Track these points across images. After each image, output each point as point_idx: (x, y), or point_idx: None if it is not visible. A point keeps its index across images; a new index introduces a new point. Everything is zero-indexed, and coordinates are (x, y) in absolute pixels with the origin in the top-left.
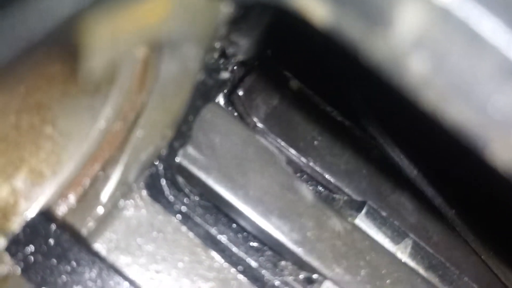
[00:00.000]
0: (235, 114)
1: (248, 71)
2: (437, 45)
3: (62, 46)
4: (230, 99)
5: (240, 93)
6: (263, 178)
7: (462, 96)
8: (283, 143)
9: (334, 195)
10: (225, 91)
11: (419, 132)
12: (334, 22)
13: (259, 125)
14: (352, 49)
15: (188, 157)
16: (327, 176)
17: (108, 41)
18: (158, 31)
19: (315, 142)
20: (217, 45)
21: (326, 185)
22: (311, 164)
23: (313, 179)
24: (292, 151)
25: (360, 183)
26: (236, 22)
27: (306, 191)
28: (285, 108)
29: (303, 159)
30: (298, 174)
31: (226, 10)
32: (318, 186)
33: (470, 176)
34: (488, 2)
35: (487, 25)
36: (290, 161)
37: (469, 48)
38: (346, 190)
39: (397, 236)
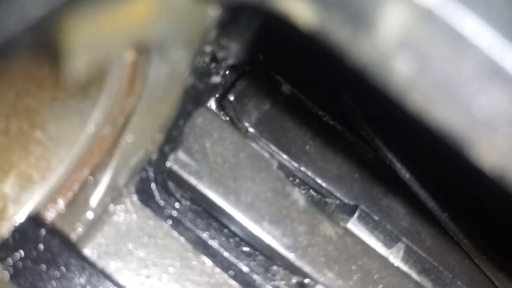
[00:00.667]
0: (227, 118)
1: (239, 76)
2: (420, 46)
3: (45, 48)
4: (221, 104)
5: (231, 98)
6: (254, 183)
7: (447, 97)
8: (274, 148)
9: (326, 200)
10: (217, 95)
11: (410, 136)
12: (319, 25)
13: (251, 130)
14: (339, 52)
15: (179, 162)
16: (318, 180)
17: (90, 42)
18: (143, 33)
19: (307, 147)
20: (208, 49)
21: (318, 189)
22: (302, 168)
23: (305, 184)
24: (284, 155)
25: (352, 187)
26: (225, 26)
27: (298, 195)
28: (277, 113)
29: (295, 164)
30: (290, 179)
31: (213, 13)
32: (310, 191)
33: (462, 179)
34: (471, 2)
35: (469, 25)
36: (281, 166)
37: (452, 49)
38: (338, 194)
39: (390, 240)
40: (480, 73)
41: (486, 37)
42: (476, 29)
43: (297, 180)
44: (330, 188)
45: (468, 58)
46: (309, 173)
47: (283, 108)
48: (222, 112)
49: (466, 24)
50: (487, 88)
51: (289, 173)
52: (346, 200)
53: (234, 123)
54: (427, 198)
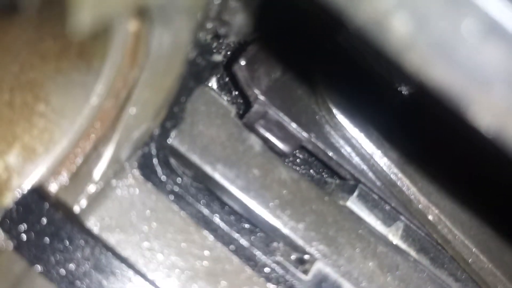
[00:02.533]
0: (227, 98)
1: (251, 41)
2: (418, 5)
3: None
4: (231, 69)
5: (243, 62)
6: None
7: (444, 57)
8: (284, 117)
9: (326, 179)
10: (222, 66)
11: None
12: None
13: (260, 97)
14: (338, 13)
15: (180, 139)
16: (327, 151)
17: None
18: None
19: (317, 117)
20: (209, 25)
21: (328, 161)
22: (312, 139)
23: (311, 156)
24: (293, 125)
25: None
26: (227, 0)
27: (254, 141)
28: (287, 81)
29: (304, 134)
30: (297, 151)
31: None
32: (310, 170)
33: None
34: None
35: None
36: (291, 136)
37: (449, 7)
38: (347, 166)
39: (389, 218)
40: (477, 31)
41: None
42: None
43: (297, 160)
44: (339, 160)
45: (464, 16)
46: (319, 144)
47: (295, 77)
48: (223, 92)
49: None
50: (484, 46)
51: (298, 144)
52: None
53: (244, 89)
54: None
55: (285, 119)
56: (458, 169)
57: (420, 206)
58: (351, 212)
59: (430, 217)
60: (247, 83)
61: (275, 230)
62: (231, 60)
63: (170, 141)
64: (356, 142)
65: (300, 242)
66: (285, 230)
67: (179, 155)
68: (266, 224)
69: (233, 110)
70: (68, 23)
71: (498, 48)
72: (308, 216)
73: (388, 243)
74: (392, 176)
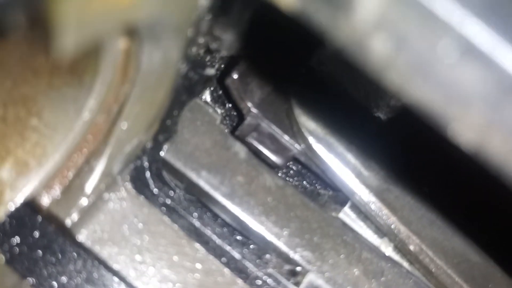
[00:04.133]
0: (220, 111)
1: (243, 55)
2: (396, 26)
3: (37, 26)
4: (224, 82)
5: (235, 76)
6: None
7: (422, 75)
8: (277, 129)
9: (319, 190)
10: (215, 79)
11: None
12: (301, 7)
13: (253, 110)
14: (320, 33)
15: (172, 152)
16: (320, 162)
17: (79, 17)
18: (132, 14)
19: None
20: (201, 40)
21: (320, 173)
22: (305, 151)
23: (300, 175)
24: (286, 137)
25: None
26: (218, 15)
27: (239, 148)
28: (280, 94)
29: (297, 146)
30: (291, 163)
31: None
32: (304, 182)
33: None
34: None
35: (441, 4)
36: (283, 148)
37: (426, 28)
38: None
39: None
40: (453, 51)
41: (457, 15)
42: (447, 8)
43: (291, 171)
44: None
45: (441, 37)
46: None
47: (286, 89)
48: (216, 105)
49: (437, 3)
50: (461, 65)
51: (290, 156)
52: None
53: (237, 102)
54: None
55: (277, 132)
56: (439, 196)
57: (401, 236)
58: (336, 219)
59: (411, 247)
60: (239, 96)
61: (259, 237)
62: (224, 74)
63: (162, 154)
64: (333, 172)
65: (284, 248)
66: (270, 237)
67: (169, 166)
68: (251, 231)
69: (218, 117)
70: (53, 46)
71: (474, 68)
72: (292, 222)
73: (373, 249)
74: (372, 206)
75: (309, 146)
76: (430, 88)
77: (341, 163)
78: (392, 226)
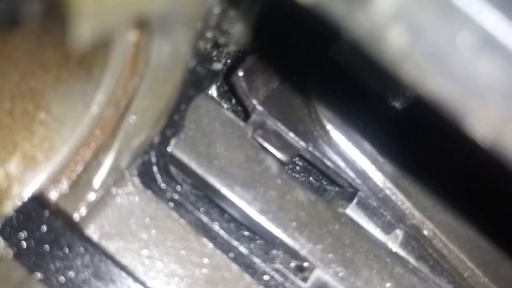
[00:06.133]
0: (228, 106)
1: (249, 51)
2: (414, 17)
3: (52, 16)
4: (229, 79)
5: (241, 73)
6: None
7: (440, 68)
8: (282, 127)
9: (326, 186)
10: (222, 74)
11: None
12: None
13: (258, 107)
14: (336, 26)
15: (180, 147)
16: (325, 161)
17: (95, 8)
18: (145, 6)
19: (315, 126)
20: (209, 34)
21: (325, 170)
22: (310, 148)
23: (310, 165)
24: (291, 134)
25: None
26: (227, 9)
27: (271, 162)
28: (285, 91)
29: (302, 143)
30: (297, 158)
31: None
32: (310, 178)
33: (460, 163)
34: None
35: None
36: (288, 145)
37: (445, 19)
38: (345, 176)
39: (388, 226)
40: (472, 43)
41: (477, 7)
42: None
43: (297, 167)
44: (337, 169)
45: (460, 28)
46: (316, 153)
47: (292, 87)
48: (223, 100)
49: None
50: (479, 58)
51: (295, 153)
52: (346, 185)
53: (242, 100)
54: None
55: (283, 129)
56: (453, 183)
57: (414, 221)
58: (368, 234)
59: (425, 232)
60: (245, 93)
61: (293, 252)
62: (230, 71)
63: (170, 149)
64: (350, 157)
65: (319, 264)
66: (303, 252)
67: (179, 162)
68: (284, 246)
69: (249, 131)
70: (68, 36)
71: (492, 60)
72: (325, 238)
73: (405, 264)
74: (387, 191)
75: (327, 133)
76: (447, 81)
77: (357, 150)
78: (407, 212)
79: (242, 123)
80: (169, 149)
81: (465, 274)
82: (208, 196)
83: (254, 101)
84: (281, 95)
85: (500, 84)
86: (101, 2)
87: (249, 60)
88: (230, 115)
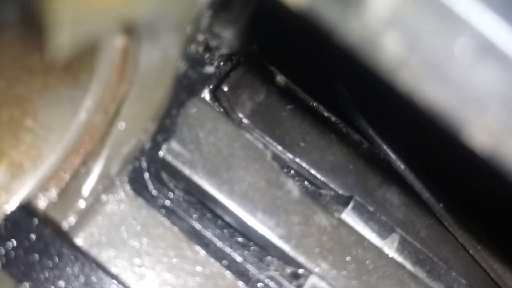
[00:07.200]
0: (220, 109)
1: (233, 66)
2: (410, 23)
3: (30, 25)
4: (215, 94)
5: (225, 88)
6: (248, 174)
7: (437, 76)
8: (269, 139)
9: (321, 191)
10: (210, 86)
11: (404, 127)
12: (309, 3)
13: (245, 121)
14: (328, 32)
15: (172, 152)
16: (313, 171)
17: (74, 16)
18: (130, 11)
19: (302, 138)
20: (200, 38)
21: (313, 180)
22: (297, 160)
23: (299, 175)
24: (278, 147)
25: (346, 179)
26: (218, 13)
27: (292, 186)
28: (271, 104)
29: (289, 155)
30: (285, 170)
31: None
32: (305, 182)
33: (456, 169)
34: None
35: (460, 1)
36: (276, 157)
37: (442, 25)
38: (333, 185)
39: (384, 231)
40: (471, 50)
41: (476, 13)
42: (466, 5)
43: (291, 171)
44: (325, 179)
45: (458, 35)
46: (304, 164)
47: (278, 99)
48: (216, 103)
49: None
50: (478, 66)
51: (284, 164)
52: (340, 191)
53: (228, 114)
54: (422, 189)
55: (269, 142)
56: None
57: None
58: (392, 259)
59: (441, 205)
60: (231, 108)
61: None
62: (216, 87)
63: (161, 154)
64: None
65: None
66: (327, 279)
67: (171, 168)
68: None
69: (269, 154)
70: (48, 45)
71: (492, 68)
72: (349, 264)
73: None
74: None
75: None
76: (445, 89)
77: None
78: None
79: (236, 126)
80: (160, 154)
81: (479, 247)
82: (201, 201)
83: (240, 115)
84: (267, 108)
85: (500, 92)
86: (80, 10)
87: (233, 75)
88: (224, 117)
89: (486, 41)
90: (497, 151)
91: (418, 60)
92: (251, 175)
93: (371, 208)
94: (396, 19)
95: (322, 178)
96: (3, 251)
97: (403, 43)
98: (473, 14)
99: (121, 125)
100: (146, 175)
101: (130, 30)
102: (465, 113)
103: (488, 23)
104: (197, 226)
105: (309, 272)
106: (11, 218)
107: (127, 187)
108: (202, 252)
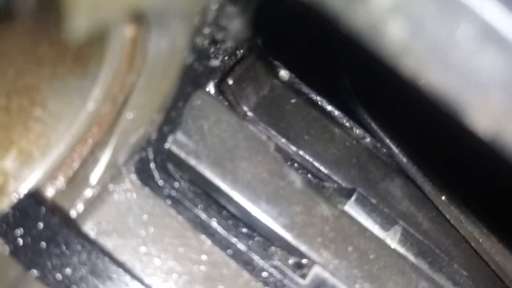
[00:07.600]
0: (225, 103)
1: (238, 61)
2: (413, 9)
3: (47, 8)
4: (220, 88)
5: (230, 82)
6: (251, 164)
7: (440, 61)
8: (273, 132)
9: (324, 183)
10: (215, 79)
11: (408, 120)
12: None
13: (249, 114)
14: (333, 19)
15: (177, 143)
16: (316, 164)
17: (90, 2)
18: (140, 0)
19: (305, 131)
20: (207, 31)
21: (316, 173)
22: (300, 152)
23: (303, 168)
24: (282, 140)
25: (349, 171)
26: (224, 5)
27: (295, 177)
28: (275, 98)
29: (293, 148)
30: (288, 163)
31: None
32: (308, 175)
33: (458, 162)
34: None
35: None
36: (280, 150)
37: (445, 12)
38: (336, 178)
39: (387, 223)
40: (473, 36)
41: None
42: None
43: (295, 164)
44: (328, 172)
45: (460, 21)
46: (307, 157)
47: (282, 93)
48: (221, 97)
49: None
50: (480, 51)
51: (287, 157)
52: (343, 184)
53: (233, 107)
54: (424, 182)
55: (274, 134)
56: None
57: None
58: (394, 250)
59: (443, 198)
60: (236, 101)
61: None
62: (221, 80)
63: (167, 145)
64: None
65: (344, 281)
66: (329, 268)
67: (177, 158)
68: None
69: (272, 145)
70: (64, 29)
71: (494, 53)
72: (351, 254)
73: (429, 278)
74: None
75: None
76: (448, 74)
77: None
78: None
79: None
80: (166, 145)
81: (481, 240)
82: (206, 192)
83: (245, 108)
84: (271, 102)
85: (502, 77)
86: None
87: (238, 69)
88: (228, 110)
89: (488, 27)
90: (499, 134)
91: (422, 46)
92: (254, 166)
93: (373, 201)
94: (400, 5)
95: (326, 171)
96: (11, 238)
97: (407, 29)
98: (476, 0)
99: (129, 115)
100: (152, 165)
101: (140, 19)
102: (468, 97)
103: (490, 9)
104: (203, 216)
105: (312, 262)
106: (19, 206)
107: (134, 177)
108: (208, 242)
